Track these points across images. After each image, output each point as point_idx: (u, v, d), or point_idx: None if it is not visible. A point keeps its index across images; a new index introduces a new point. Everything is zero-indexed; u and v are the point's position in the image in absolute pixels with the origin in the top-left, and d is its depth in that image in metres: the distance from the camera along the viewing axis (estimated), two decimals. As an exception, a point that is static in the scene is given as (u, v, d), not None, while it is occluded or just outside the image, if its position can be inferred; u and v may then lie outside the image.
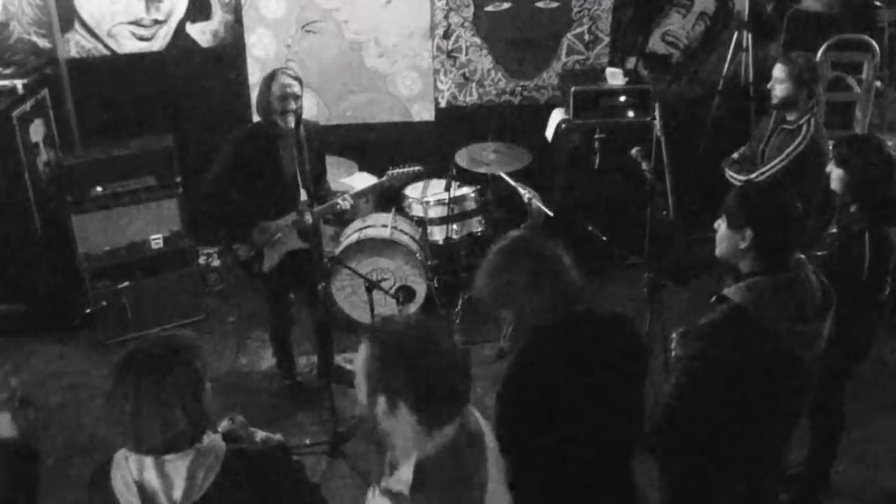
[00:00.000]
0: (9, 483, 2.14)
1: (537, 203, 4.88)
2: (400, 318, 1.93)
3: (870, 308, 3.31)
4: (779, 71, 4.10)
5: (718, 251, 2.54)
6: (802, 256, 2.51)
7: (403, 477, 1.76)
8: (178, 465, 1.86)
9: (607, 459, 2.35)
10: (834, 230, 3.35)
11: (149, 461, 1.87)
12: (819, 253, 3.21)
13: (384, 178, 4.37)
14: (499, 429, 2.19)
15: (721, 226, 2.52)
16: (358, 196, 4.45)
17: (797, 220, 2.43)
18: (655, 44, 5.98)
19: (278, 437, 2.28)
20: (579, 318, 2.27)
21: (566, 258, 2.28)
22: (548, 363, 2.22)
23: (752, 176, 4.17)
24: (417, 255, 4.86)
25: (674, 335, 2.55)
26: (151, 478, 1.86)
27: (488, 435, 1.93)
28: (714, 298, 2.49)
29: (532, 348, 2.24)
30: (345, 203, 4.18)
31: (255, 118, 4.19)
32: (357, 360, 1.84)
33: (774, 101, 4.14)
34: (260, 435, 2.23)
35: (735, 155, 4.48)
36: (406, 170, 4.36)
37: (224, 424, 2.18)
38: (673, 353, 2.54)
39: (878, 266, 3.20)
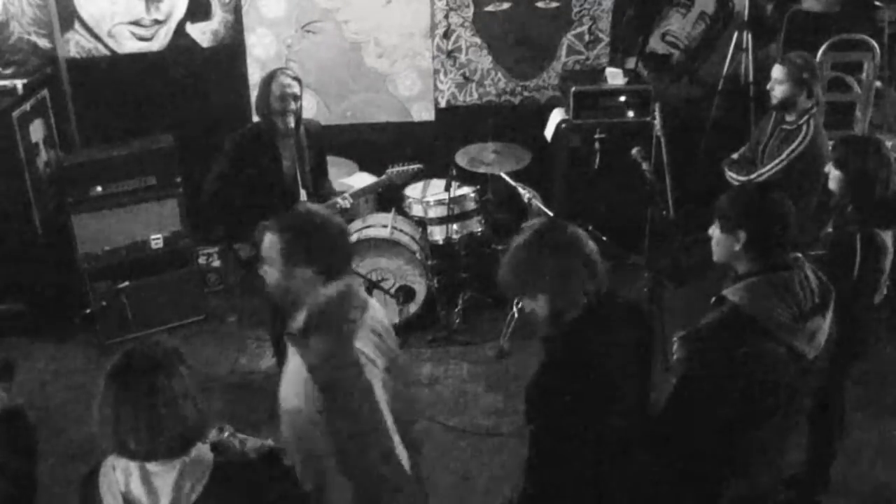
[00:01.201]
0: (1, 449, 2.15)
1: (537, 203, 4.88)
2: (292, 210, 2.48)
3: (864, 309, 3.30)
4: (778, 72, 4.10)
5: (715, 256, 2.56)
6: (801, 255, 2.52)
7: (299, 319, 2.34)
8: (165, 477, 1.84)
9: (629, 443, 2.39)
10: (830, 230, 3.36)
11: (135, 472, 1.85)
12: (813, 253, 3.21)
13: (384, 176, 4.38)
14: (536, 418, 2.25)
15: (715, 231, 2.54)
16: (358, 195, 4.45)
17: (788, 217, 2.44)
18: (655, 44, 5.98)
19: (269, 442, 2.27)
20: (607, 301, 2.31)
21: (590, 242, 2.31)
22: (585, 349, 2.25)
23: (752, 176, 4.17)
24: (417, 255, 4.86)
25: (675, 338, 2.56)
26: (137, 489, 1.85)
27: (377, 309, 2.47)
28: (713, 299, 2.50)
29: (570, 334, 2.26)
30: (345, 202, 4.17)
31: (255, 118, 4.19)
32: (266, 248, 2.35)
33: (774, 101, 4.14)
34: (250, 443, 2.22)
35: (735, 155, 4.48)
36: (406, 167, 4.36)
37: (212, 434, 2.16)
38: (674, 356, 2.55)
39: (869, 267, 3.19)
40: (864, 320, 3.34)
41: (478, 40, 5.84)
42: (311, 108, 5.65)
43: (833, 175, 3.29)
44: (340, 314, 2.34)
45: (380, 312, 2.50)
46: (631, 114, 5.41)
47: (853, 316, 3.14)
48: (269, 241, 2.35)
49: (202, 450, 1.92)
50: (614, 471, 2.34)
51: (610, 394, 2.26)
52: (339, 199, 4.17)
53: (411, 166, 4.38)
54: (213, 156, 4.11)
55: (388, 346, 2.44)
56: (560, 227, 2.34)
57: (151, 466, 1.84)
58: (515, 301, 4.53)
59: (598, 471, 2.32)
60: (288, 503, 2.08)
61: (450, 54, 5.86)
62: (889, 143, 3.43)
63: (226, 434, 2.23)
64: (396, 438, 2.33)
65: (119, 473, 1.87)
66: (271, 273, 2.36)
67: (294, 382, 2.30)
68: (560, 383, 2.24)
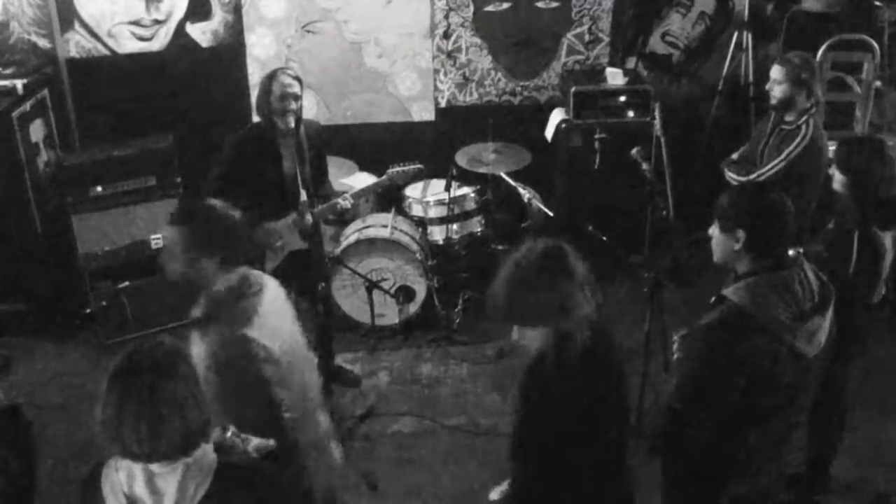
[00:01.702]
0: None
1: (537, 203, 4.88)
2: (189, 204, 2.66)
3: (862, 308, 3.29)
4: (776, 72, 4.09)
5: (716, 256, 2.56)
6: (801, 251, 2.52)
7: (200, 306, 2.56)
8: (169, 478, 1.84)
9: (612, 458, 2.38)
10: (830, 228, 3.36)
11: (139, 473, 1.84)
12: (812, 249, 3.21)
13: (384, 177, 4.37)
14: (526, 427, 2.26)
15: (715, 231, 2.54)
16: (358, 195, 4.45)
17: (788, 217, 2.44)
18: (655, 44, 5.98)
19: (271, 442, 2.27)
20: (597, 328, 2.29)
21: (583, 268, 2.27)
22: (579, 371, 2.23)
23: (752, 176, 4.16)
24: (417, 255, 4.86)
25: (675, 338, 2.56)
26: (141, 490, 1.84)
27: (274, 293, 2.66)
28: (713, 299, 2.50)
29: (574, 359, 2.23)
30: (345, 203, 4.17)
31: (255, 118, 4.19)
32: (167, 241, 2.53)
33: (773, 101, 4.13)
34: (253, 443, 2.21)
35: (734, 156, 4.48)
36: (406, 168, 4.36)
37: (215, 434, 2.16)
38: (675, 356, 2.55)
39: (866, 266, 3.19)
40: (862, 319, 3.33)
41: (478, 40, 5.84)
42: (311, 108, 5.65)
43: (836, 178, 3.29)
44: (237, 302, 2.51)
45: (279, 296, 2.68)
46: (631, 114, 5.40)
47: (851, 315, 3.15)
48: (170, 235, 2.51)
49: (205, 450, 1.91)
50: (610, 471, 2.34)
51: (597, 416, 2.27)
52: (339, 200, 4.17)
53: (411, 166, 4.37)
54: (213, 156, 4.11)
55: (284, 329, 2.61)
56: (562, 252, 2.26)
57: (155, 467, 1.83)
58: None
59: (595, 471, 2.32)
60: (291, 503, 2.07)
61: (450, 54, 5.86)
62: (890, 143, 3.43)
63: (229, 434, 2.23)
64: (289, 418, 2.51)
65: (122, 474, 1.86)
66: (173, 265, 2.52)
67: (198, 366, 2.41)
68: (552, 387, 2.24)
